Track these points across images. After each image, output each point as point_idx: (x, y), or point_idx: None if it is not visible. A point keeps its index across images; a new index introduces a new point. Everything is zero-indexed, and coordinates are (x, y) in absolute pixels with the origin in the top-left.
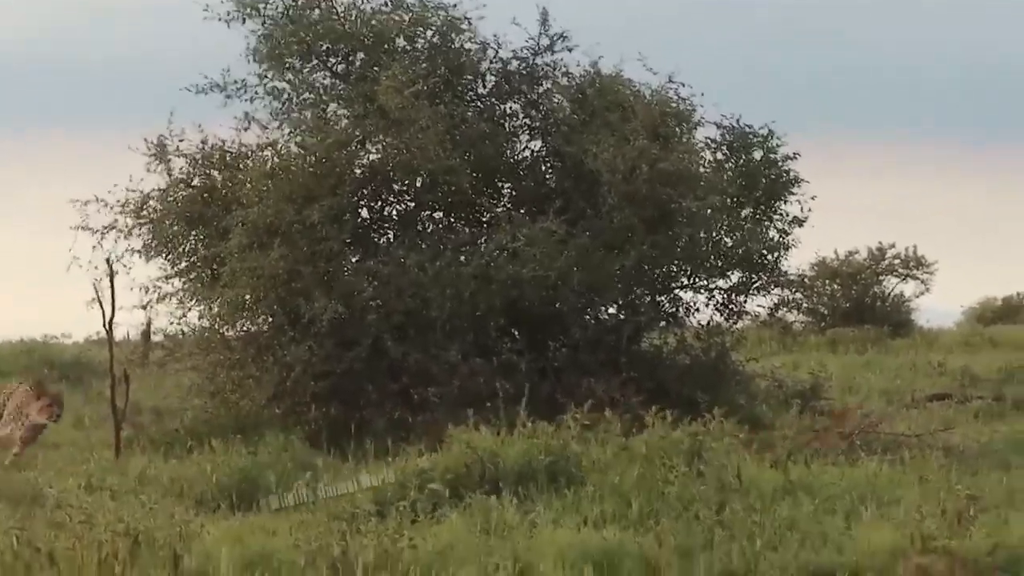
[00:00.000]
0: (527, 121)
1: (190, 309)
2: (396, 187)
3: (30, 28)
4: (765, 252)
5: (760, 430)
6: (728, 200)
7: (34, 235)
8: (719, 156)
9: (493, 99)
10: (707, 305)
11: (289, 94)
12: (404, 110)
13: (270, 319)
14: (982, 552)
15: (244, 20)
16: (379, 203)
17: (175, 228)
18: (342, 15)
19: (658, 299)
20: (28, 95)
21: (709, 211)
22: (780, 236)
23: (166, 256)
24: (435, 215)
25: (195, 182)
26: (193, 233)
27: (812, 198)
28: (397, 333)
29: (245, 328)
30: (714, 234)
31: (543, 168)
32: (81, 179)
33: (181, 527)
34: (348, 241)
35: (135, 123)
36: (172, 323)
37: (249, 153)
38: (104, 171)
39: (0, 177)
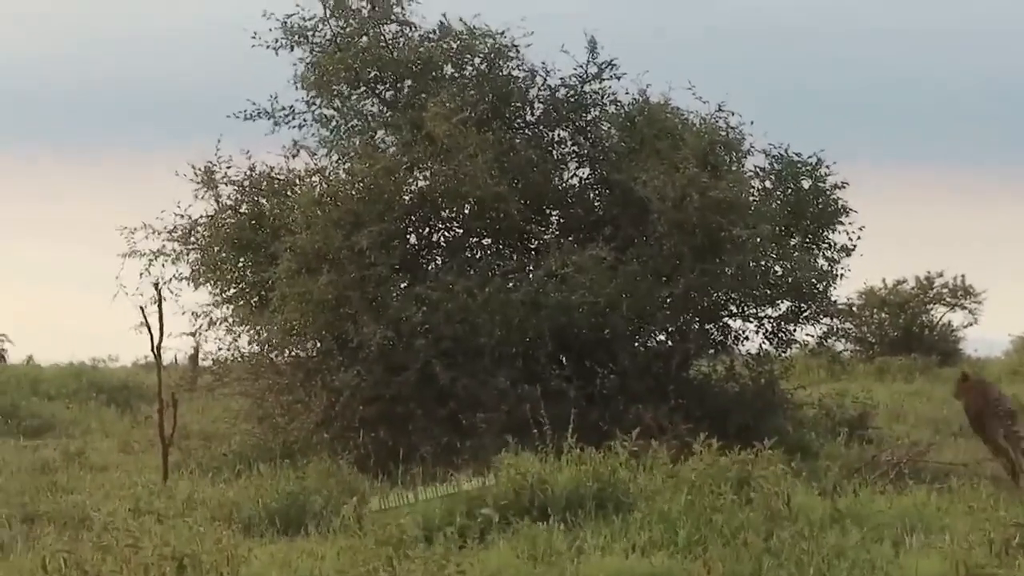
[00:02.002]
0: (575, 148)
1: (240, 335)
2: (444, 213)
3: (82, 54)
4: (814, 281)
5: (808, 458)
6: (777, 229)
7: (83, 258)
8: (768, 185)
9: (541, 126)
10: (756, 333)
11: (337, 121)
12: (452, 137)
13: (319, 344)
14: None
15: (292, 47)
16: (427, 229)
17: (223, 254)
18: (390, 43)
19: (707, 327)
20: (79, 120)
21: (758, 240)
22: (829, 265)
23: (214, 282)
24: (483, 241)
25: (243, 208)
26: (241, 259)
27: (861, 228)
28: (446, 359)
29: (294, 353)
30: (763, 263)
31: (591, 195)
32: (130, 203)
33: (228, 551)
34: (396, 267)
35: (183, 149)
36: (221, 348)
37: (297, 180)
38: (153, 196)
39: (52, 200)
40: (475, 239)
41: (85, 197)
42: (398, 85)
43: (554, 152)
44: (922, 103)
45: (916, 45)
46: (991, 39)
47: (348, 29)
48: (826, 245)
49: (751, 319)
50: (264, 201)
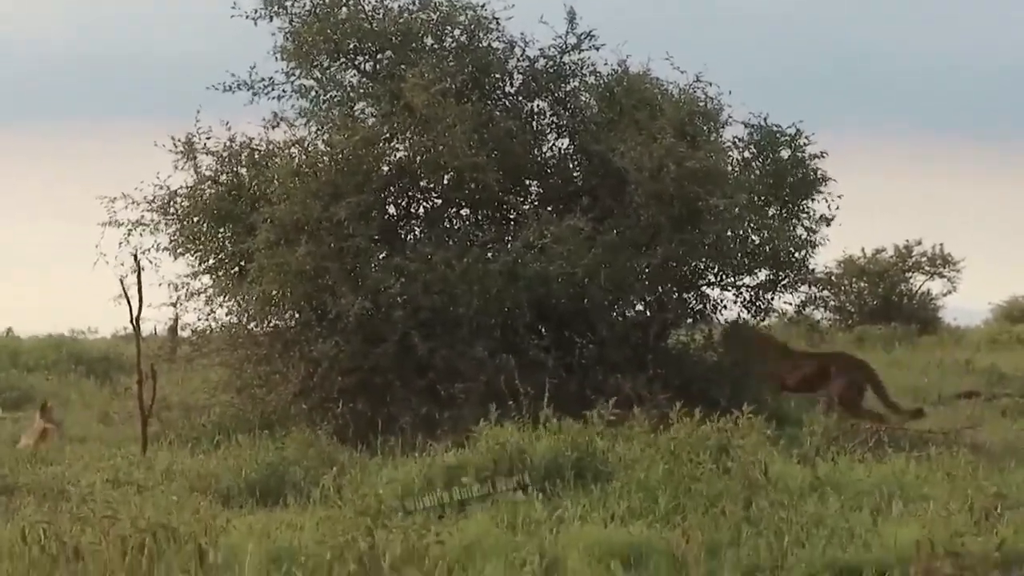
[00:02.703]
0: (554, 119)
1: (218, 306)
2: (423, 184)
3: (59, 27)
4: (792, 250)
5: (787, 426)
6: (755, 198)
7: (61, 230)
8: (746, 155)
9: (520, 97)
10: (734, 302)
11: (316, 92)
12: (431, 108)
13: (297, 315)
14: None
15: (271, 18)
16: (406, 200)
17: (202, 225)
18: (369, 13)
19: (685, 296)
20: (57, 92)
21: (737, 209)
22: (807, 234)
23: (193, 253)
24: (462, 212)
25: (222, 179)
26: (220, 230)
27: (839, 197)
28: (424, 329)
29: (272, 324)
30: (741, 232)
31: (570, 166)
32: (109, 175)
33: (207, 522)
34: (375, 238)
35: (162, 120)
36: (200, 319)
37: (276, 151)
38: (132, 168)
39: (31, 172)
40: (454, 210)
41: (63, 170)
42: (377, 56)
43: (533, 123)
44: (901, 75)
45: (899, 15)
46: (974, 9)
47: None
48: (805, 214)
49: (729, 288)
50: (243, 172)
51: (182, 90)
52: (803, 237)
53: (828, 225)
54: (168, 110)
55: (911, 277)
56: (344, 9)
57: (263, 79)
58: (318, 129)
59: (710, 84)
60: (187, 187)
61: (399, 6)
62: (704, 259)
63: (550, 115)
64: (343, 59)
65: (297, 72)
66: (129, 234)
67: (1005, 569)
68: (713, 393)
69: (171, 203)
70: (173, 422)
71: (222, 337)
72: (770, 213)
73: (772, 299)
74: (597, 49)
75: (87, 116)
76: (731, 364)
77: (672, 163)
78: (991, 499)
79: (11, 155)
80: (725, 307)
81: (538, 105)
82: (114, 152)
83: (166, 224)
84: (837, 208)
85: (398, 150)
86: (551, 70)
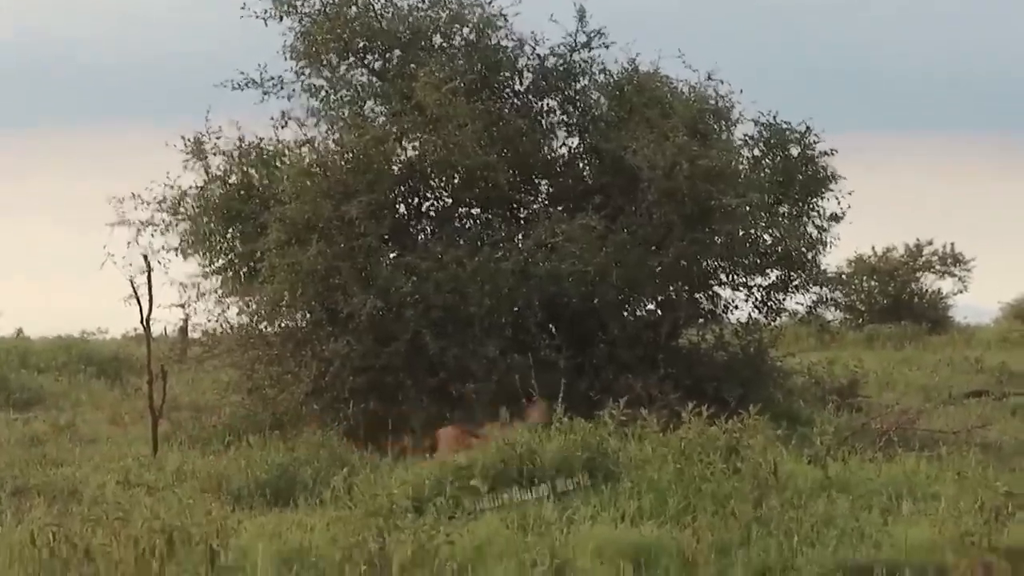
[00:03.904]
0: (564, 118)
1: (228, 306)
2: (433, 183)
3: (70, 28)
4: (804, 249)
5: (797, 426)
6: (766, 197)
7: (72, 230)
8: (757, 153)
9: (530, 96)
10: (746, 302)
11: (326, 91)
12: (441, 107)
13: (308, 315)
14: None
15: (281, 18)
16: (416, 199)
17: (212, 225)
18: (379, 12)
19: (696, 296)
20: (67, 94)
21: (748, 208)
22: (818, 233)
23: (203, 253)
24: (473, 211)
25: (232, 179)
26: (230, 230)
27: (849, 193)
28: (435, 329)
29: (283, 324)
30: (753, 231)
31: (581, 165)
32: (119, 176)
33: (218, 523)
34: (386, 237)
35: (172, 120)
36: (210, 320)
37: (286, 150)
38: (142, 168)
39: (41, 173)
40: (464, 209)
41: (73, 170)
42: (387, 55)
43: (543, 121)
44: (912, 73)
45: (910, 16)
46: (985, 11)
47: None
48: (815, 213)
49: (740, 288)
50: (253, 172)
51: (192, 90)
52: (814, 235)
53: (838, 223)
54: (178, 111)
55: (921, 276)
56: (353, 8)
57: (272, 78)
58: (328, 128)
59: (721, 82)
60: (197, 187)
61: (408, 5)
62: (715, 258)
63: (560, 113)
64: (353, 58)
65: (307, 71)
66: (139, 234)
67: None
68: (724, 393)
69: (181, 203)
70: (184, 423)
71: (233, 337)
72: (781, 211)
73: (783, 299)
74: (607, 47)
75: (98, 117)
76: (741, 363)
77: (685, 161)
78: (1002, 498)
79: (22, 156)
80: (736, 307)
81: (548, 103)
82: (124, 152)
83: (176, 224)
84: (848, 206)
85: (408, 149)
86: (561, 68)
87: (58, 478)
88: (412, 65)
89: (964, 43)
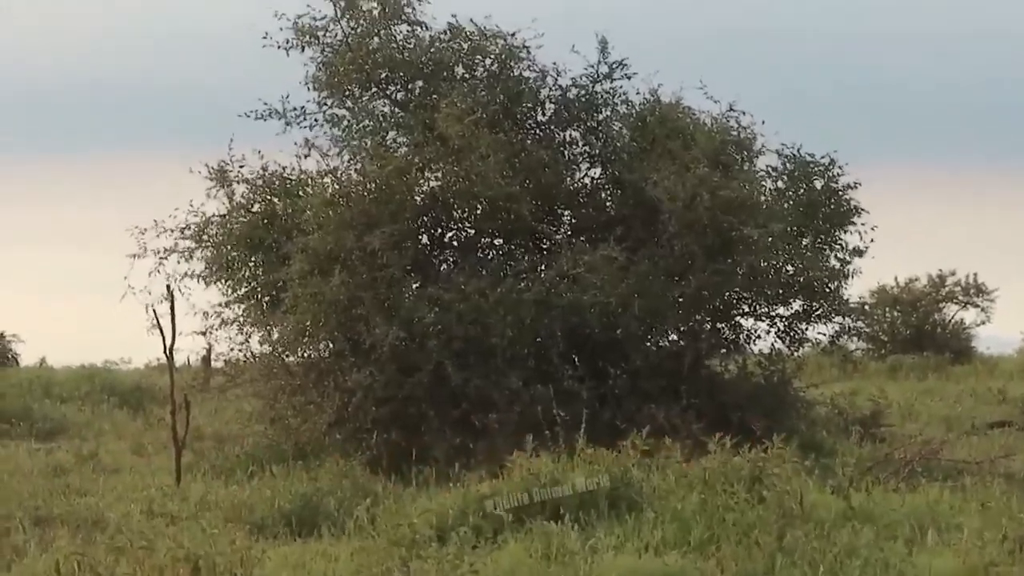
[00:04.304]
0: (587, 149)
1: (251, 336)
2: (456, 214)
3: (93, 56)
4: (826, 280)
5: (821, 456)
6: (789, 229)
7: (96, 259)
8: (780, 185)
9: (552, 127)
10: (768, 332)
11: (349, 121)
12: (464, 138)
13: (331, 345)
14: None
15: (303, 48)
16: (439, 230)
17: (235, 253)
18: (401, 43)
19: (719, 326)
20: (91, 122)
21: (770, 239)
22: (840, 265)
23: (226, 281)
24: (495, 242)
25: (255, 208)
26: (253, 259)
27: (873, 228)
28: (458, 359)
29: (306, 354)
30: (775, 262)
31: (603, 196)
32: (142, 204)
33: (242, 553)
34: (409, 267)
35: (195, 150)
36: (233, 349)
37: (309, 180)
38: (165, 197)
39: (66, 202)
40: (487, 239)
41: (96, 201)
42: (409, 86)
43: (565, 152)
44: (933, 103)
45: (929, 46)
46: (1003, 40)
47: (359, 29)
48: (838, 245)
49: (763, 318)
50: (276, 201)
51: (215, 120)
52: (836, 268)
53: (861, 257)
54: (201, 140)
55: (944, 307)
56: (375, 39)
57: (295, 108)
58: (351, 158)
59: (743, 113)
60: (220, 216)
61: (430, 36)
62: (738, 289)
63: (582, 144)
64: (375, 88)
65: (329, 101)
66: (161, 263)
67: None
68: (747, 423)
69: (204, 231)
70: (207, 452)
71: (255, 367)
72: (803, 243)
73: (806, 329)
74: (629, 78)
75: (123, 146)
76: (764, 393)
77: (706, 192)
78: None
79: (47, 185)
80: (759, 337)
81: (570, 134)
82: (148, 181)
83: (199, 251)
84: (871, 240)
85: (431, 180)
86: (583, 99)
87: (82, 508)
88: (434, 96)
89: (989, 71)
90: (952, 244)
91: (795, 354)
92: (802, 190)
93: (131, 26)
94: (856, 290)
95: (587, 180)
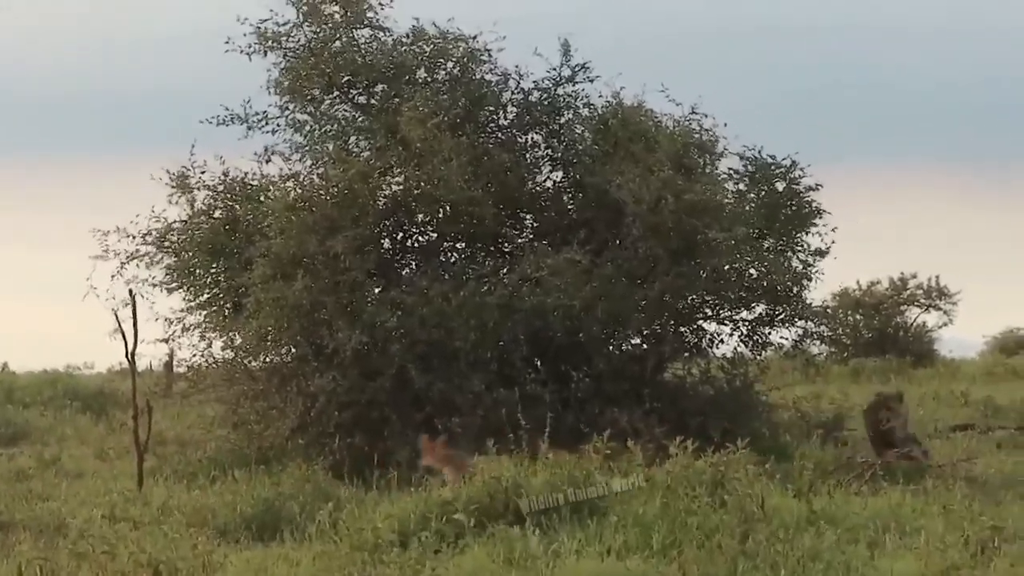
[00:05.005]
0: (549, 152)
1: (213, 341)
2: (419, 218)
3: (53, 62)
4: (789, 284)
5: (783, 460)
6: (751, 231)
7: (57, 263)
8: (742, 187)
9: (515, 130)
10: (731, 336)
11: (311, 126)
12: (426, 141)
13: (294, 349)
14: None
15: (265, 53)
16: (402, 234)
17: (197, 259)
18: (363, 47)
19: (682, 330)
20: (53, 126)
21: (733, 242)
22: (803, 267)
23: (188, 288)
24: (458, 246)
25: (217, 214)
26: (215, 265)
27: (833, 229)
28: (421, 363)
29: (269, 359)
30: (738, 265)
31: (565, 199)
32: (105, 209)
33: (204, 558)
34: (371, 272)
35: (157, 155)
36: (195, 355)
37: (271, 185)
38: (126, 202)
39: (25, 204)
40: (449, 243)
41: (55, 204)
42: (371, 90)
43: (528, 156)
44: (893, 104)
45: (886, 43)
46: (962, 38)
47: (321, 34)
48: (800, 248)
49: (726, 322)
50: (238, 206)
51: (175, 125)
52: (799, 270)
53: (823, 258)
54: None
55: (906, 309)
56: (337, 43)
57: (257, 113)
58: (313, 163)
59: (705, 116)
60: (181, 221)
61: (392, 39)
62: (701, 292)
63: (544, 147)
64: (337, 93)
65: (291, 106)
66: (123, 267)
67: None
68: (709, 427)
69: (166, 237)
70: (169, 457)
71: (218, 372)
72: (765, 246)
73: (769, 333)
74: (591, 81)
75: (83, 149)
76: (726, 397)
77: (670, 195)
78: (987, 532)
79: (6, 187)
80: (722, 341)
81: (532, 138)
82: (109, 185)
83: (161, 258)
84: (833, 242)
85: (393, 184)
86: (545, 102)
87: (44, 513)
88: (396, 100)
89: (946, 68)
90: (913, 246)
91: (758, 358)
92: (764, 192)
93: (89, 31)
94: (818, 293)
95: (549, 183)
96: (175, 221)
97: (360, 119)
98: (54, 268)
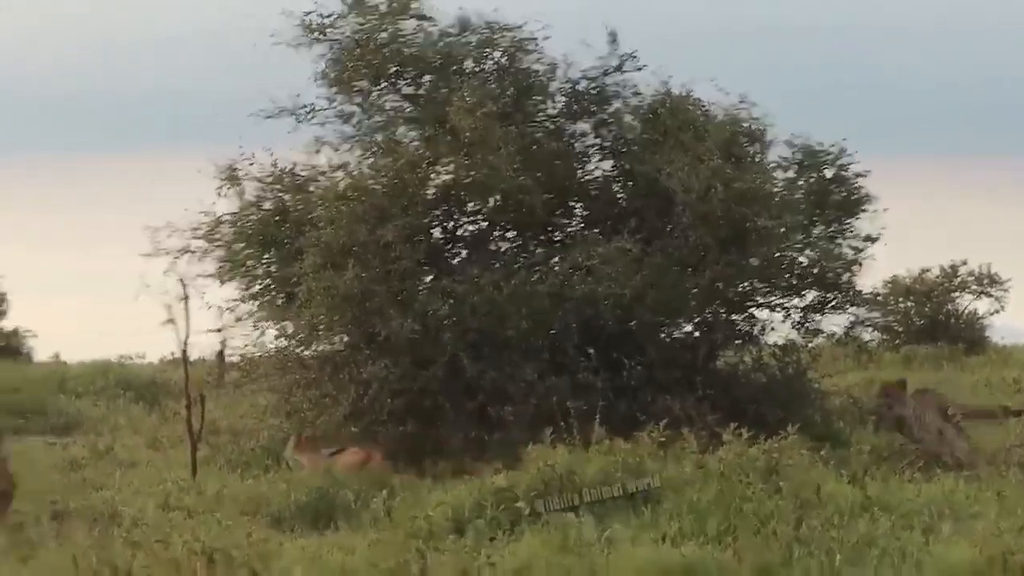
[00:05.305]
0: (598, 141)
1: (265, 331)
2: (469, 207)
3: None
4: (839, 271)
5: (837, 447)
6: (801, 219)
7: (110, 256)
8: (791, 175)
9: (563, 119)
10: (783, 323)
11: (359, 117)
12: (476, 131)
13: (346, 338)
14: None
15: (312, 45)
16: (452, 223)
17: (248, 251)
18: (409, 38)
19: (733, 317)
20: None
21: (783, 230)
22: (854, 254)
23: (240, 278)
24: (508, 234)
25: (267, 205)
26: (266, 255)
27: (885, 210)
28: (473, 351)
29: (321, 348)
30: (788, 253)
31: (615, 188)
32: (159, 203)
33: (258, 546)
34: (422, 260)
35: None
36: (248, 344)
37: (320, 175)
38: (175, 199)
39: (80, 199)
40: (499, 232)
41: (111, 201)
42: (419, 80)
43: (576, 145)
44: (944, 95)
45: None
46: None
47: (367, 25)
48: (851, 234)
49: (777, 309)
50: (287, 197)
51: (224, 119)
52: (849, 256)
53: (873, 243)
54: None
55: (958, 297)
56: (384, 34)
57: (305, 105)
58: (362, 153)
59: (754, 104)
60: (231, 214)
61: (439, 30)
62: (752, 280)
63: (593, 137)
64: (384, 84)
65: (339, 98)
66: (175, 262)
67: None
68: (763, 414)
69: (216, 230)
70: (222, 446)
71: (270, 362)
72: (815, 233)
73: (820, 320)
74: (639, 70)
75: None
76: (779, 384)
77: (720, 184)
78: None
79: (62, 184)
80: (773, 328)
81: (581, 127)
82: (162, 180)
83: (211, 250)
84: (883, 227)
85: (442, 173)
86: (593, 92)
87: (98, 502)
88: (444, 90)
89: (1002, 60)
90: (965, 234)
91: (809, 345)
92: (812, 179)
93: (136, 27)
94: (870, 281)
95: (599, 172)
96: (224, 214)
97: (408, 109)
98: (108, 260)
